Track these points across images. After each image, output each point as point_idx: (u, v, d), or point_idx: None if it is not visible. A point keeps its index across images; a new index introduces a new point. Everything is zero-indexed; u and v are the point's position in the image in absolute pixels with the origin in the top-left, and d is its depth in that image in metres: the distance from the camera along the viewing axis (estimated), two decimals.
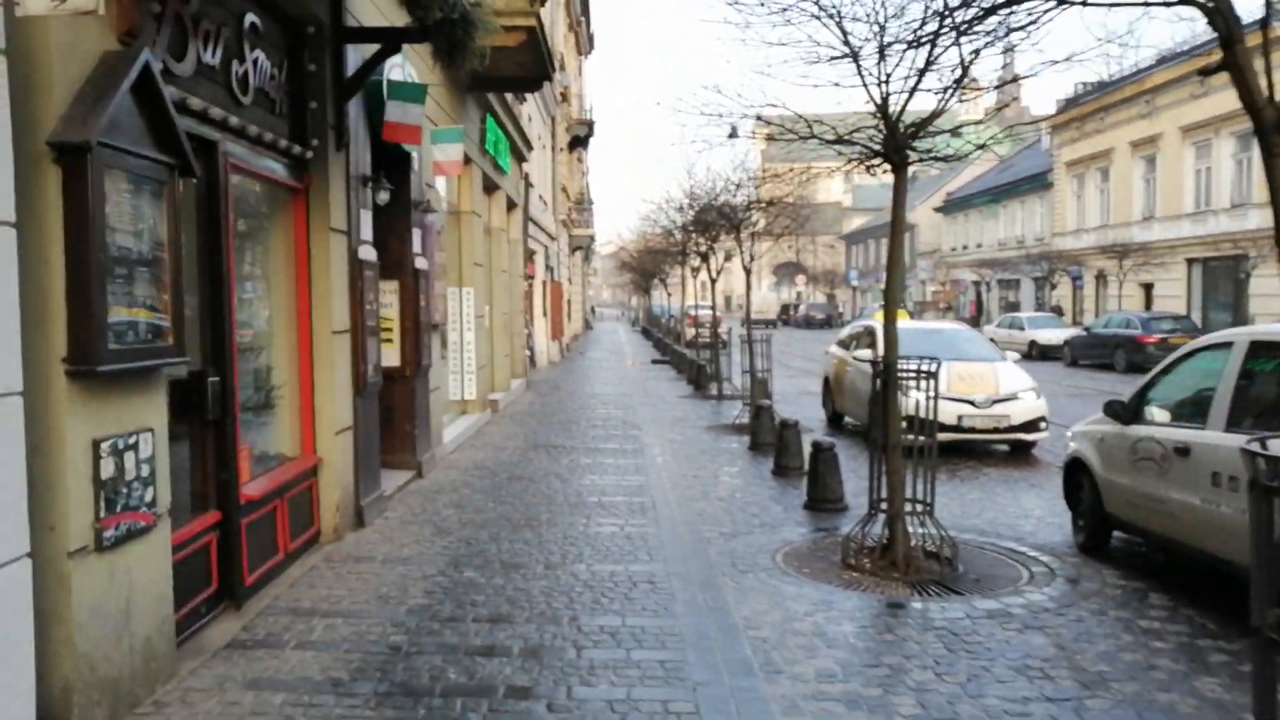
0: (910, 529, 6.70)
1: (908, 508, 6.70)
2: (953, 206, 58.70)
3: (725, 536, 7.49)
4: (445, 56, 7.47)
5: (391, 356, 9.44)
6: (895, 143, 6.23)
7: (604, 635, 5.18)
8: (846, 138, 6.45)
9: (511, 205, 19.17)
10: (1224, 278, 32.80)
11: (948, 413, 11.00)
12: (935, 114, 6.33)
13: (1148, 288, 34.90)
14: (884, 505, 6.77)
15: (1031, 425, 11.12)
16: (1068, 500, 7.52)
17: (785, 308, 70.82)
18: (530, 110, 23.93)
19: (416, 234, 9.65)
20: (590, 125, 42.49)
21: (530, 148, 20.58)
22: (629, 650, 4.96)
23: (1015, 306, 46.51)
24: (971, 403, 10.96)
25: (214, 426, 5.33)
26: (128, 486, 4.05)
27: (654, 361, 29.73)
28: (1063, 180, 43.57)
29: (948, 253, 59.09)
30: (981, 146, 6.82)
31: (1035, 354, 29.20)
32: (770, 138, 7.36)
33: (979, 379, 11.26)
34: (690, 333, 32.44)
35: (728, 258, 19.14)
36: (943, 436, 11.18)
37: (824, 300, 70.17)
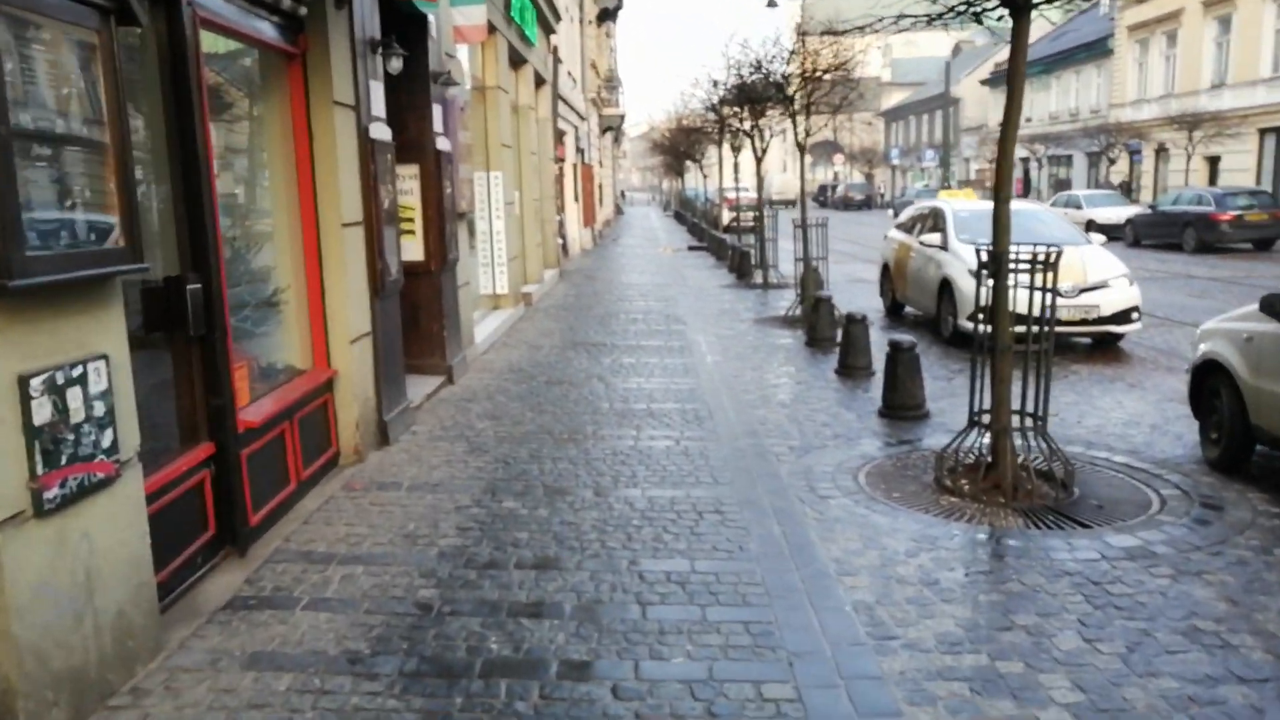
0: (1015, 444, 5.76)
1: (1015, 421, 5.75)
2: (1001, 79, 55.52)
3: (795, 452, 6.60)
4: None
5: (414, 250, 8.49)
6: None
7: (671, 585, 4.35)
8: None
9: (540, 81, 17.81)
10: None
11: (1027, 303, 9.93)
12: None
13: (1213, 161, 32.79)
14: (985, 418, 5.83)
15: (1123, 316, 10.00)
16: (1194, 408, 6.52)
17: (822, 188, 68.51)
18: None
19: (437, 110, 8.54)
20: None
21: (558, 18, 19.05)
22: (703, 607, 4.12)
23: (1066, 184, 44.35)
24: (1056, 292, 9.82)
25: (199, 343, 4.44)
26: (75, 431, 3.18)
27: (690, 248, 28.53)
28: (1124, 46, 40.76)
29: (994, 128, 56.29)
30: None
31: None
32: None
33: (1067, 266, 10.08)
34: (728, 216, 31.12)
35: (767, 135, 17.62)
36: (1018, 330, 10.18)
37: (862, 180, 67.66)
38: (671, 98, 53.49)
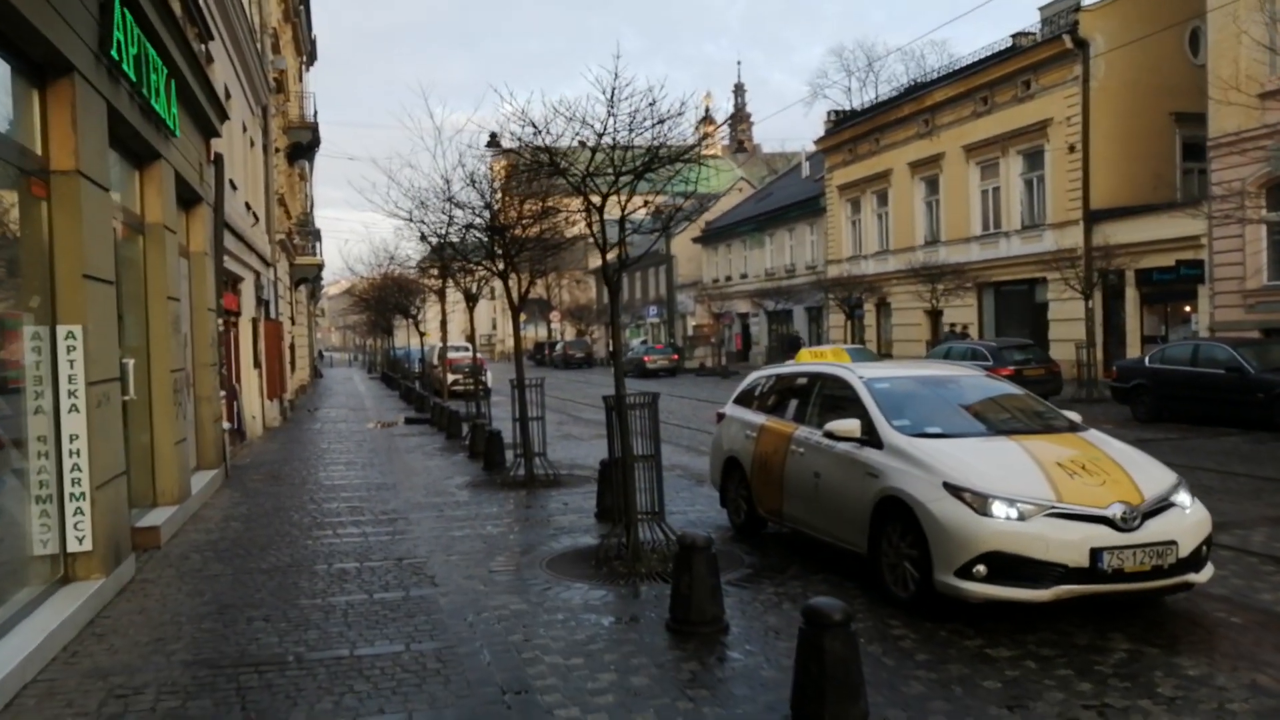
0: None
1: None
2: (713, 237, 55.96)
3: None
4: None
5: None
6: None
7: None
8: None
9: (192, 197, 12.15)
10: (1020, 302, 31.15)
11: (1071, 543, 5.65)
12: None
13: (934, 314, 32.76)
14: None
15: (1196, 558, 5.97)
16: None
17: (539, 346, 65.67)
18: (226, 75, 16.79)
19: None
20: (314, 131, 34.93)
21: (224, 117, 13.58)
22: None
23: (793, 339, 43.73)
24: (1109, 521, 5.69)
25: None
26: None
27: (408, 420, 22.95)
28: (836, 205, 41.42)
29: (710, 284, 56.24)
30: None
31: None
32: None
33: (1097, 471, 6.06)
34: (451, 379, 26.04)
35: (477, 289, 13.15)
36: (1065, 590, 5.54)
37: (579, 338, 65.38)
38: (377, 247, 47.64)
